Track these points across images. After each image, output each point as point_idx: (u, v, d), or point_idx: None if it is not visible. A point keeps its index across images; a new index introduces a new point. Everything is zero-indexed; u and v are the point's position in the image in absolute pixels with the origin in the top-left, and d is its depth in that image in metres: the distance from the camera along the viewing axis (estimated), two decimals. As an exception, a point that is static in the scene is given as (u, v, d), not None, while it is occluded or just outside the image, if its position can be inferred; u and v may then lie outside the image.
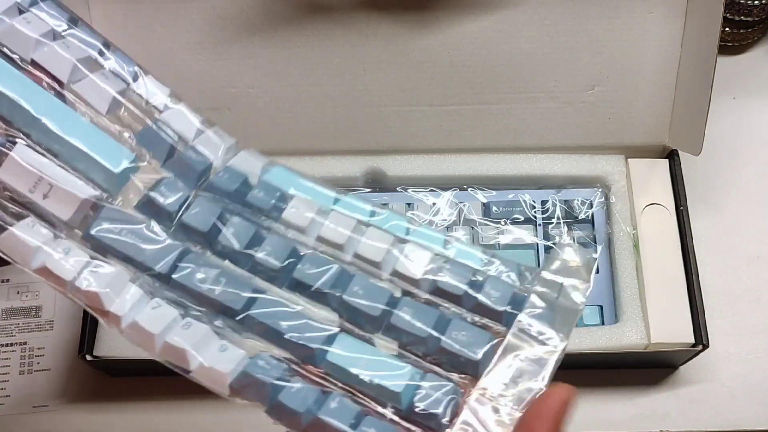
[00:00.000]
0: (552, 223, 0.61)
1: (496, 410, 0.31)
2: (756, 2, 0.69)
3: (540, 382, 0.31)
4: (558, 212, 0.62)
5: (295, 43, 0.59)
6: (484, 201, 0.62)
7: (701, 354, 0.56)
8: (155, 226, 0.35)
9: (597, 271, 0.60)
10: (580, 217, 0.62)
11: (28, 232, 0.33)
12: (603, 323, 0.58)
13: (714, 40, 0.55)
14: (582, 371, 0.60)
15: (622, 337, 0.56)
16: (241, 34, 0.59)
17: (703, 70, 0.57)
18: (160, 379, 0.60)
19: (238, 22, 0.59)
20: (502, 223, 0.61)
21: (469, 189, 0.62)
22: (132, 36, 0.60)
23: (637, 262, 0.59)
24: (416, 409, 0.31)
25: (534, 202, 0.62)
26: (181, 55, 0.60)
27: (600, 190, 0.62)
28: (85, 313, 0.54)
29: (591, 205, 0.62)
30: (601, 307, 0.59)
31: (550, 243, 0.61)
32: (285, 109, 0.62)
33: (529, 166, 0.63)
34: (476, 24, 0.58)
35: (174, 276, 0.34)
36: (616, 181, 0.62)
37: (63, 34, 0.37)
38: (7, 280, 0.66)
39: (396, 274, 0.35)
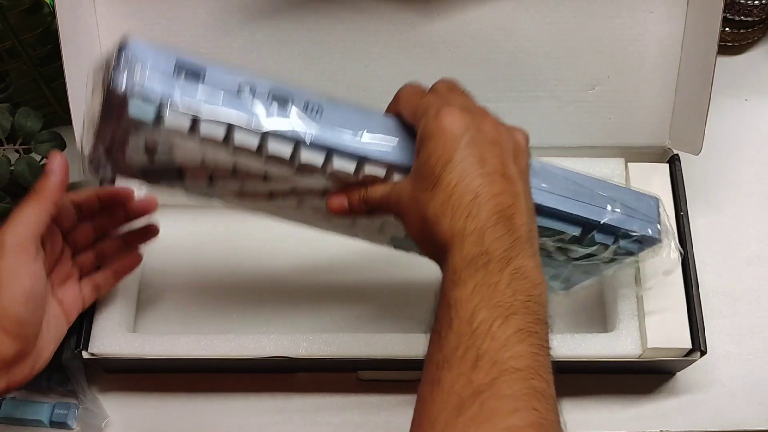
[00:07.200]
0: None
1: None
2: (756, 2, 0.69)
3: None
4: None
5: (298, 37, 0.59)
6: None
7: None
8: None
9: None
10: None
11: None
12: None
13: (714, 40, 0.55)
14: (583, 373, 0.59)
15: (616, 346, 0.56)
16: (243, 26, 0.59)
17: (703, 69, 0.57)
18: (154, 376, 0.60)
19: (240, 15, 0.59)
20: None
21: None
22: (136, 28, 0.59)
23: (636, 269, 0.58)
24: None
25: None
26: (184, 48, 0.60)
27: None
28: (82, 312, 0.54)
29: (592, 210, 0.61)
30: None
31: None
32: (287, 103, 0.61)
33: (529, 167, 0.62)
34: (477, 21, 0.58)
35: None
36: (615, 185, 0.62)
37: None
38: (5, 280, 0.66)
39: None
